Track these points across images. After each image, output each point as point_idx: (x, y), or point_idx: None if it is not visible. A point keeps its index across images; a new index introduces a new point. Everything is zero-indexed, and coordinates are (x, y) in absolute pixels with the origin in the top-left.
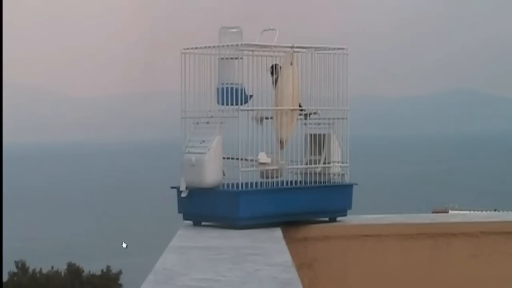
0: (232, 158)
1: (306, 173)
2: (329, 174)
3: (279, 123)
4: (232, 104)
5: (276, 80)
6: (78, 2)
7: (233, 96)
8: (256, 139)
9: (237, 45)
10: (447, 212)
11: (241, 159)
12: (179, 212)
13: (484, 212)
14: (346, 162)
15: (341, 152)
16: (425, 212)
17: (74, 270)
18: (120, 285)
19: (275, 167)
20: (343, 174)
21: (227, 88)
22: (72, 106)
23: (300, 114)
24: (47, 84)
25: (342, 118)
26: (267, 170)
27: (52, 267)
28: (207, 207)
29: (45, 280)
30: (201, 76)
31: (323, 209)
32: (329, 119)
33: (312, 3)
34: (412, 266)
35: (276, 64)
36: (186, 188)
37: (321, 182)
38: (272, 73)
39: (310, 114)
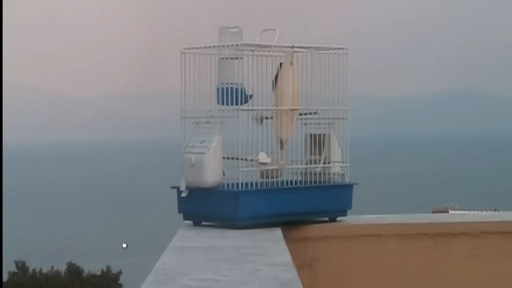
0: (232, 158)
1: (306, 173)
2: (329, 174)
3: (279, 123)
4: (232, 104)
5: (276, 79)
6: (78, 2)
7: (233, 96)
8: (256, 139)
9: (237, 45)
10: (447, 212)
11: (241, 159)
12: (179, 212)
13: (484, 212)
14: (346, 162)
15: (341, 152)
16: (425, 212)
17: (74, 270)
18: (120, 285)
19: (275, 167)
20: (343, 174)
21: (227, 88)
22: (72, 106)
23: (300, 114)
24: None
25: (342, 118)
26: (267, 170)
27: (52, 267)
28: (207, 207)
29: (45, 280)
30: (201, 76)
31: (323, 209)
32: (329, 119)
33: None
34: (412, 266)
35: (281, 63)
36: (186, 188)
37: (321, 182)
38: (276, 76)
39: (310, 113)
